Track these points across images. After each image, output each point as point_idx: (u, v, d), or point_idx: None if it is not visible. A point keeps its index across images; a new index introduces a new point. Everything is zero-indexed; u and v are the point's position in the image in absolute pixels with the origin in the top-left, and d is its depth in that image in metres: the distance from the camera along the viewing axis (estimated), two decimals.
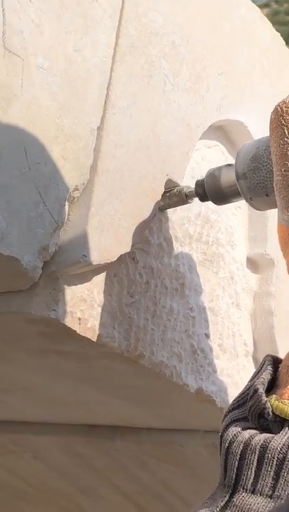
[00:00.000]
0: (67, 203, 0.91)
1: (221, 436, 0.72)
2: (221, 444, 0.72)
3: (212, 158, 1.17)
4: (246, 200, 0.94)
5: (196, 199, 1.03)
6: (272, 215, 1.21)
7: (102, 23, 0.95)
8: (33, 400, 1.31)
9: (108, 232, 0.93)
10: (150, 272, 1.04)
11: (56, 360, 1.08)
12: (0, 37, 0.83)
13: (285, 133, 0.79)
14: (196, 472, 1.41)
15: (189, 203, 1.04)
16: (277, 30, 1.27)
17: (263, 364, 0.76)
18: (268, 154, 0.90)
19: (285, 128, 0.79)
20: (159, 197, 1.02)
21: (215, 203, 1.01)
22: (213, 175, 0.99)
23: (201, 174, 1.14)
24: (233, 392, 1.18)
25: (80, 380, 1.15)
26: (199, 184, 1.01)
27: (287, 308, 1.24)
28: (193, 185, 1.02)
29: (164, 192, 1.03)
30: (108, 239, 0.93)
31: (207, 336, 1.14)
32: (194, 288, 1.12)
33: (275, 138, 0.80)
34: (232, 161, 1.19)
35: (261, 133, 1.17)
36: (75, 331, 0.95)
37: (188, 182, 1.09)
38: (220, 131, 1.19)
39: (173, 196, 1.03)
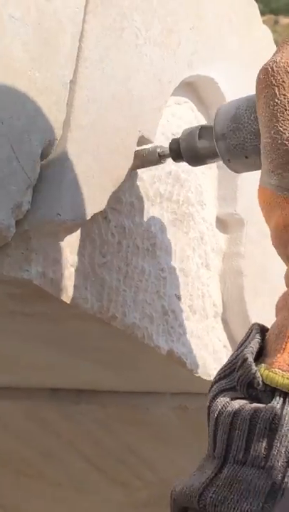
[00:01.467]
0: (39, 159, 0.87)
1: (209, 406, 0.70)
2: (208, 415, 0.70)
3: (182, 115, 1.14)
4: (224, 162, 0.91)
5: (169, 159, 0.99)
6: (243, 174, 1.19)
7: None
8: None
9: (82, 190, 0.91)
10: (122, 231, 1.02)
11: (24, 323, 1.05)
12: None
13: (275, 93, 0.75)
14: (162, 435, 1.40)
15: (162, 163, 1.01)
16: None
17: (250, 333, 0.75)
18: (249, 115, 0.87)
19: (276, 88, 0.75)
20: (132, 154, 0.99)
21: (190, 164, 0.98)
22: (189, 133, 0.96)
23: (172, 131, 1.11)
24: (203, 354, 1.17)
25: (48, 342, 1.13)
26: (174, 144, 0.97)
27: (257, 268, 1.22)
28: (166, 145, 0.99)
29: (136, 151, 1.00)
30: (82, 196, 0.91)
31: (178, 297, 1.12)
32: (165, 248, 1.10)
33: (263, 99, 0.77)
34: (201, 118, 1.17)
35: (230, 89, 1.15)
36: (47, 292, 0.92)
37: (159, 139, 1.06)
38: (190, 88, 1.16)
39: (146, 156, 1.00)
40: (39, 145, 0.87)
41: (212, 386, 0.72)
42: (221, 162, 0.92)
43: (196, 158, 0.96)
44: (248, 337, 0.74)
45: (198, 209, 1.17)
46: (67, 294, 0.94)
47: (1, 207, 0.82)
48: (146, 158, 1.00)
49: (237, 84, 1.18)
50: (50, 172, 0.89)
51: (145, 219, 1.06)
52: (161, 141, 1.09)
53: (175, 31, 1.07)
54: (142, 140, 1.01)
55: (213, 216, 1.21)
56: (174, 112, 1.13)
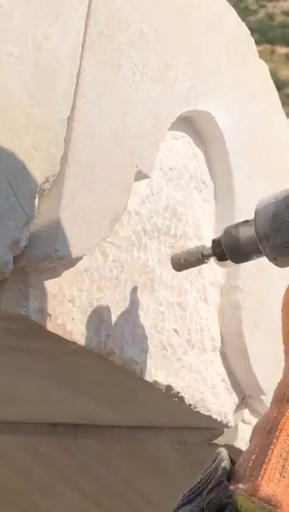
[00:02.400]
0: (37, 196, 0.88)
1: None
2: None
3: (180, 149, 1.15)
4: (269, 260, 0.89)
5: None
6: (240, 207, 1.20)
7: (71, 10, 0.92)
8: None
9: (79, 226, 0.91)
10: (120, 266, 1.02)
11: (22, 358, 1.05)
12: None
13: None
14: (160, 469, 1.39)
15: (206, 263, 0.99)
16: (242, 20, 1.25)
17: (216, 457, 0.68)
18: (288, 213, 0.86)
19: None
20: (130, 189, 0.99)
21: (234, 262, 0.96)
22: (230, 234, 0.93)
23: (169, 166, 1.12)
24: (202, 388, 1.17)
25: (46, 377, 1.13)
26: (216, 243, 0.95)
27: (255, 302, 1.22)
28: (208, 244, 0.98)
29: (175, 254, 1.00)
30: (79, 232, 0.91)
31: (176, 331, 1.12)
32: (163, 282, 1.10)
33: None
34: (199, 152, 1.17)
35: (227, 123, 1.15)
36: (44, 328, 0.92)
37: (156, 173, 1.07)
38: (186, 122, 1.16)
39: (189, 256, 0.98)
40: (37, 181, 0.87)
41: None
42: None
43: (240, 256, 0.94)
44: (214, 461, 0.68)
45: (195, 242, 1.17)
46: (65, 330, 0.94)
47: None
48: (190, 259, 0.98)
49: (234, 118, 1.18)
50: (47, 208, 0.89)
51: (143, 253, 1.06)
52: (159, 175, 1.09)
53: (172, 66, 1.07)
54: (139, 175, 1.01)
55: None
56: (171, 147, 1.13)
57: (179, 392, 1.12)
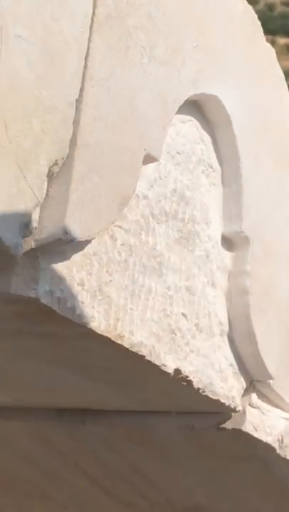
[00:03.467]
0: (46, 178, 0.87)
1: None
2: None
3: (187, 133, 1.15)
4: None
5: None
6: (248, 192, 1.20)
7: None
8: (2, 384, 1.28)
9: (88, 208, 0.91)
10: (128, 250, 1.02)
11: (30, 342, 1.05)
12: None
13: None
14: (167, 455, 1.39)
15: None
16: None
17: None
18: None
19: None
20: (138, 172, 0.99)
21: None
22: None
23: (176, 149, 1.12)
24: (210, 372, 1.17)
25: (54, 361, 1.13)
26: None
27: (263, 286, 1.22)
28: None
29: None
30: (89, 215, 0.91)
31: (184, 315, 1.12)
32: (171, 266, 1.10)
33: None
34: (206, 136, 1.18)
35: (235, 107, 1.15)
36: (54, 311, 0.92)
37: (163, 157, 1.07)
38: (194, 106, 1.16)
39: None
40: (46, 164, 0.87)
41: None
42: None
43: None
44: None
45: (203, 227, 1.17)
46: (74, 313, 0.94)
47: (9, 226, 0.82)
48: None
49: (241, 102, 1.18)
50: (56, 191, 0.89)
51: (151, 237, 1.06)
52: (166, 159, 1.09)
53: (179, 50, 1.07)
54: (148, 158, 1.01)
55: (218, 234, 1.21)
56: (178, 131, 1.13)
57: (187, 376, 1.12)
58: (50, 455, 1.52)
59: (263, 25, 1.29)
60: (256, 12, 1.28)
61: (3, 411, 1.44)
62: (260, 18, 1.29)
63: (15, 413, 1.43)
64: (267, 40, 1.32)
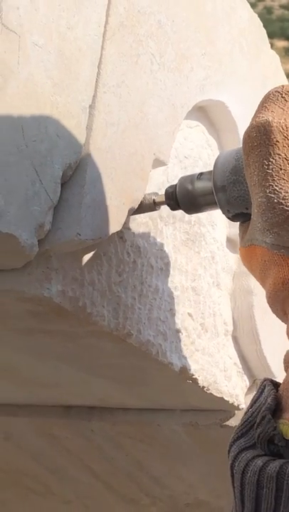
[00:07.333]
0: (60, 181, 0.90)
1: (232, 467, 0.71)
2: (232, 476, 0.70)
3: (194, 138, 1.18)
4: (223, 212, 0.91)
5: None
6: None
7: (93, 1, 0.95)
8: (12, 381, 1.31)
9: (100, 211, 0.93)
10: (137, 251, 1.05)
11: (41, 340, 1.08)
12: None
13: (270, 152, 0.75)
14: (172, 452, 1.42)
15: (157, 210, 1.01)
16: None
17: (263, 388, 0.75)
18: None
19: (271, 148, 0.75)
20: (148, 176, 1.02)
21: (186, 212, 0.98)
22: (185, 184, 0.96)
23: (184, 154, 1.15)
24: (214, 371, 1.20)
25: (63, 359, 1.16)
26: (169, 193, 0.98)
27: None
28: (161, 192, 1.00)
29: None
30: (100, 217, 0.93)
31: (190, 315, 1.15)
32: (178, 267, 1.13)
33: (256, 157, 0.77)
34: (212, 141, 1.20)
35: (240, 113, 1.18)
36: (66, 310, 0.95)
37: (171, 161, 1.09)
38: (201, 112, 1.19)
39: (141, 202, 1.00)
40: (60, 167, 0.90)
41: (231, 446, 0.73)
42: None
43: (194, 207, 0.96)
44: (261, 393, 0.74)
45: (209, 229, 1.20)
46: (85, 312, 0.97)
47: (25, 226, 0.85)
48: (141, 205, 1.00)
49: (246, 107, 1.21)
50: (70, 193, 0.92)
51: (159, 239, 1.09)
52: (174, 163, 1.12)
53: (188, 57, 1.10)
54: (157, 162, 1.04)
55: (223, 236, 1.24)
56: (186, 136, 1.16)
57: (192, 374, 1.15)
58: (56, 451, 1.54)
59: None
60: None
61: (11, 408, 1.47)
62: None
63: (22, 410, 1.46)
64: None
